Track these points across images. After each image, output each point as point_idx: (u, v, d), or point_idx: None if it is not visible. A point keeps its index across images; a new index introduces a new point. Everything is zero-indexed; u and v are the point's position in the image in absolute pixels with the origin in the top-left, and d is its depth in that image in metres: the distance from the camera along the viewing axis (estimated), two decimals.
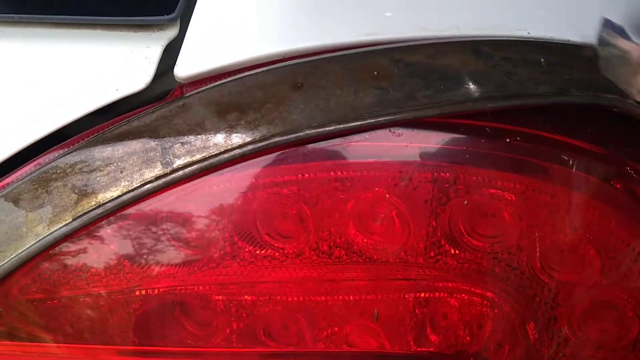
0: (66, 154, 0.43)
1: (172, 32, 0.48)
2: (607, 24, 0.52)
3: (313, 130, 0.43)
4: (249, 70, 0.46)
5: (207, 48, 0.47)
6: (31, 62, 0.47)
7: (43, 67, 0.47)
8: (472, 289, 0.50)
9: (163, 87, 0.48)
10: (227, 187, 0.46)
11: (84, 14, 0.48)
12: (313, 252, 0.48)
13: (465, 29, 0.51)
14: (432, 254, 0.49)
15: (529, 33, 0.52)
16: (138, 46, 0.47)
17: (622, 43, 0.49)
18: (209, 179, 0.45)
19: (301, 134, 0.42)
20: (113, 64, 0.47)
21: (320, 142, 0.45)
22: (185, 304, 0.50)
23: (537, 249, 0.49)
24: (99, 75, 0.46)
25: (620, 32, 0.50)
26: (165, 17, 0.47)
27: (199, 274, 0.48)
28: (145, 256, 0.47)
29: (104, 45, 0.48)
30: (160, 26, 0.48)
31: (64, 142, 0.45)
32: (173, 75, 0.47)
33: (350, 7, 0.49)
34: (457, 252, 0.49)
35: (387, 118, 0.43)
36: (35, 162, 0.45)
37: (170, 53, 0.48)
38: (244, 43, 0.47)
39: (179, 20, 0.48)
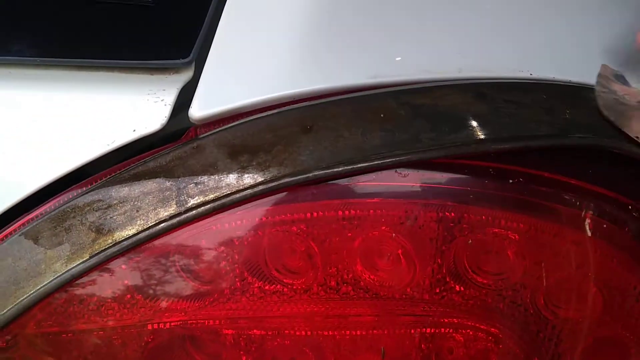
0: (84, 193, 0.45)
1: (187, 75, 0.50)
2: (606, 70, 0.54)
3: (321, 172, 0.44)
4: (261, 112, 0.48)
5: (220, 90, 0.48)
6: (52, 104, 0.49)
7: (63, 108, 0.49)
8: (477, 325, 0.51)
9: (179, 125, 0.50)
10: (238, 224, 0.47)
11: (103, 57, 0.50)
12: (321, 288, 0.49)
13: (467, 71, 0.53)
14: (437, 291, 0.50)
15: (531, 74, 0.54)
16: (154, 89, 0.49)
17: (620, 88, 0.51)
18: (221, 217, 0.46)
19: (310, 175, 0.44)
20: (130, 105, 0.49)
21: (328, 182, 0.47)
22: (196, 337, 0.51)
23: (541, 287, 0.50)
24: (116, 116, 0.48)
25: (619, 77, 0.52)
26: (181, 60, 0.49)
27: (210, 309, 0.49)
28: (157, 291, 0.48)
29: (122, 87, 0.50)
30: (176, 69, 0.50)
31: (83, 182, 0.47)
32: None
33: (356, 50, 0.51)
34: (462, 288, 0.50)
35: (393, 160, 0.45)
36: (54, 201, 0.46)
37: (186, 93, 0.50)
38: (255, 85, 0.49)
39: (194, 63, 0.50)
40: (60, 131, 0.49)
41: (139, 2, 0.51)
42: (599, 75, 0.51)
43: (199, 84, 0.49)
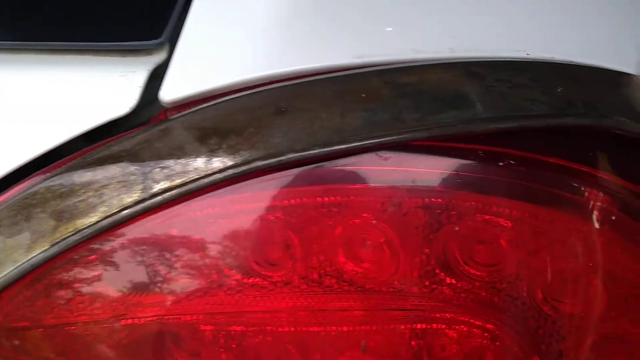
0: (46, 180, 0.43)
1: (160, 57, 0.48)
2: None
3: (296, 154, 0.41)
4: (235, 94, 0.45)
5: (192, 72, 0.46)
6: (18, 88, 0.47)
7: (30, 92, 0.47)
8: (472, 321, 0.48)
9: (154, 112, 0.48)
10: (210, 212, 0.45)
11: (74, 40, 0.48)
12: (302, 281, 0.46)
13: (460, 51, 0.50)
14: (427, 284, 0.47)
15: (528, 54, 0.51)
16: (125, 71, 0.47)
17: None
18: (192, 204, 0.44)
19: (283, 157, 0.41)
20: (100, 88, 0.47)
21: (306, 167, 0.44)
22: (173, 333, 0.49)
23: (539, 279, 0.46)
24: (85, 100, 0.46)
25: None
26: (153, 41, 0.47)
27: (185, 303, 0.47)
28: (129, 284, 0.46)
29: (92, 70, 0.48)
30: (148, 51, 0.48)
31: (46, 167, 0.45)
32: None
33: (340, 28, 0.49)
34: (453, 281, 0.47)
35: (373, 141, 0.42)
36: (17, 188, 0.44)
37: (160, 76, 0.47)
38: (230, 67, 0.47)
39: (167, 44, 0.48)
40: (28, 116, 0.47)
41: None
42: None
43: (170, 66, 0.46)
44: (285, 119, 0.43)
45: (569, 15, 0.55)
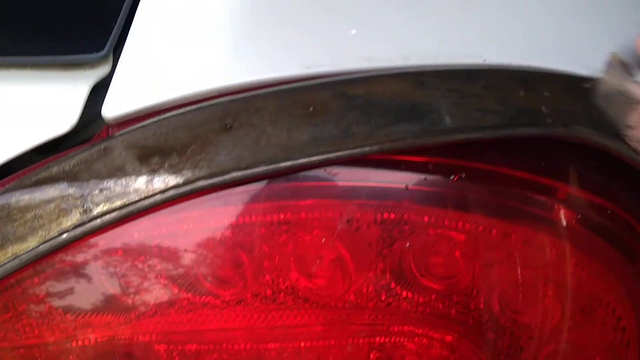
0: None
1: (103, 71, 0.46)
2: (615, 58, 0.49)
3: (240, 173, 0.40)
4: (179, 109, 0.44)
5: (135, 87, 0.45)
6: None
7: None
8: (430, 333, 0.47)
9: (94, 126, 0.46)
10: (157, 232, 0.43)
11: (12, 54, 0.46)
12: (256, 298, 0.46)
13: (414, 58, 0.49)
14: (383, 298, 0.46)
15: (484, 60, 0.50)
16: (65, 86, 0.45)
17: (625, 79, 0.46)
18: (136, 225, 0.43)
19: (227, 177, 0.40)
20: (40, 105, 0.45)
21: (254, 184, 0.43)
22: (126, 353, 0.47)
23: (495, 291, 0.46)
24: (24, 118, 0.44)
25: (626, 67, 0.48)
26: (95, 54, 0.45)
27: (136, 323, 0.46)
28: (76, 305, 0.45)
29: (31, 86, 0.46)
30: (91, 64, 0.46)
31: None
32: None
33: (289, 38, 0.47)
34: (409, 294, 0.46)
35: (320, 157, 0.41)
36: None
37: (102, 91, 0.46)
38: (175, 81, 0.45)
39: (110, 58, 0.46)
40: None
41: None
42: (607, 63, 0.47)
43: (112, 81, 0.45)
44: (230, 136, 0.41)
45: (528, 18, 0.54)
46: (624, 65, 0.49)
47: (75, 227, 0.39)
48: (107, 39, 0.45)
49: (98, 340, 0.47)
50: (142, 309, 0.45)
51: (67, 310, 0.45)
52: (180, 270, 0.44)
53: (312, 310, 0.46)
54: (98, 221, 0.39)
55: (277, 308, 0.46)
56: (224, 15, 0.47)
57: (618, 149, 0.44)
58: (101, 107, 0.46)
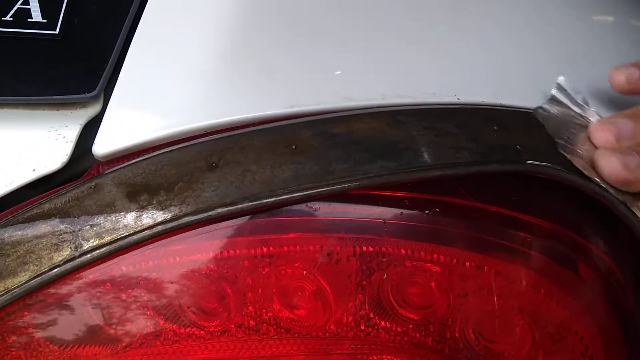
0: None
1: (94, 110, 0.48)
2: (564, 84, 0.53)
3: (225, 209, 0.42)
4: (167, 147, 0.46)
5: (125, 125, 0.47)
6: None
7: None
8: None
9: (85, 164, 0.48)
10: (143, 266, 0.45)
11: (4, 94, 0.48)
12: (239, 329, 0.47)
13: (391, 97, 0.51)
14: (362, 327, 0.48)
15: (458, 99, 0.52)
16: (57, 125, 0.47)
17: (574, 106, 0.49)
18: (126, 259, 0.44)
19: (212, 212, 0.42)
20: (31, 143, 0.47)
21: (237, 219, 0.44)
22: None
23: (469, 320, 0.48)
24: (15, 155, 0.46)
25: (577, 94, 0.51)
26: (87, 95, 0.47)
27: (122, 355, 0.47)
28: (64, 337, 0.46)
29: (24, 124, 0.48)
30: (82, 104, 0.48)
31: None
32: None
33: (271, 79, 0.50)
34: (388, 324, 0.48)
35: (301, 194, 0.43)
36: None
37: (93, 130, 0.48)
38: (163, 119, 0.47)
39: (101, 97, 0.48)
40: None
41: (44, 36, 0.49)
42: (555, 89, 0.50)
43: (103, 119, 0.47)
44: (216, 173, 0.43)
45: (498, 57, 0.57)
46: (565, 92, 0.52)
47: (66, 261, 0.41)
48: (99, 80, 0.47)
49: None
50: (129, 340, 0.47)
51: (55, 342, 0.47)
52: (167, 303, 0.46)
53: (293, 340, 0.48)
54: (88, 256, 0.41)
55: (260, 338, 0.47)
56: (211, 57, 0.49)
57: (583, 184, 0.46)
58: (90, 143, 0.48)
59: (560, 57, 0.60)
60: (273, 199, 0.43)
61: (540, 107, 0.50)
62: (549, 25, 0.59)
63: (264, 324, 0.47)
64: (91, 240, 0.41)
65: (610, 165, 0.46)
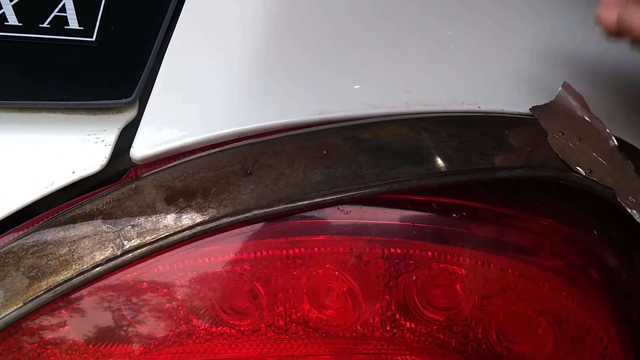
0: (20, 238, 0.44)
1: (130, 115, 0.50)
2: (567, 89, 0.54)
3: (261, 211, 0.44)
4: (203, 150, 0.48)
5: (161, 130, 0.48)
6: None
7: (2, 149, 0.48)
8: None
9: (123, 166, 0.50)
10: (180, 266, 0.46)
11: (45, 98, 0.49)
12: (269, 328, 0.48)
13: (415, 105, 0.53)
14: (388, 328, 0.49)
15: (479, 107, 0.54)
16: (95, 129, 0.49)
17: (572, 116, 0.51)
18: (162, 259, 0.46)
19: (249, 214, 0.43)
20: (71, 146, 0.48)
21: (271, 221, 0.46)
22: None
23: (492, 321, 0.49)
24: (56, 158, 0.47)
25: (579, 99, 0.53)
26: (123, 100, 0.49)
27: (155, 353, 0.48)
28: (99, 336, 0.47)
29: (63, 128, 0.49)
30: (119, 109, 0.50)
31: (20, 225, 0.46)
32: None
33: (302, 86, 0.51)
34: (413, 325, 0.49)
35: (334, 197, 0.45)
36: None
37: (131, 134, 0.49)
38: (198, 124, 0.49)
39: (137, 102, 0.50)
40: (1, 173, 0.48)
41: (82, 43, 0.51)
42: (557, 96, 0.52)
43: (140, 124, 0.48)
44: (252, 176, 0.45)
45: (517, 67, 0.59)
46: (575, 94, 0.54)
47: (108, 260, 0.42)
48: (135, 86, 0.49)
49: None
50: (162, 339, 0.48)
51: (89, 340, 0.48)
52: (201, 302, 0.47)
53: (321, 340, 0.49)
54: (130, 255, 0.42)
55: (288, 338, 0.49)
56: (244, 65, 0.51)
57: (602, 192, 0.48)
58: (122, 147, 0.49)
59: (575, 68, 0.61)
60: (307, 202, 0.44)
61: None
62: (568, 37, 0.61)
63: (293, 324, 0.48)
64: (133, 240, 0.43)
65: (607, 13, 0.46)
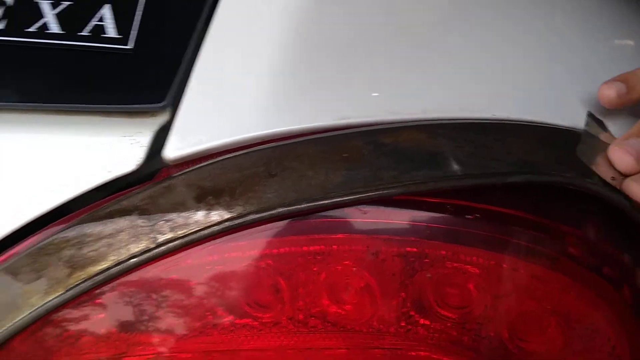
0: (61, 231, 0.48)
1: (163, 118, 0.53)
2: (591, 116, 0.56)
3: (285, 209, 0.47)
4: (230, 152, 0.51)
5: (192, 133, 0.51)
6: (33, 146, 0.52)
7: (44, 150, 0.52)
8: (444, 358, 0.52)
9: (155, 166, 0.53)
10: (209, 259, 0.49)
11: (83, 102, 0.53)
12: (290, 322, 0.51)
13: (432, 112, 0.55)
14: (403, 324, 0.51)
15: (494, 115, 0.56)
16: (131, 131, 0.52)
17: (602, 134, 0.54)
18: (192, 253, 0.49)
19: (274, 211, 0.46)
20: (108, 147, 0.52)
21: (294, 219, 0.49)
22: None
23: (504, 320, 0.51)
24: (94, 158, 0.51)
25: (599, 123, 0.55)
26: (157, 104, 0.52)
27: (182, 342, 0.51)
28: (131, 325, 0.50)
29: (100, 130, 0.53)
30: (152, 113, 0.53)
31: (60, 220, 0.50)
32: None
33: (326, 93, 0.54)
34: (427, 322, 0.51)
35: (353, 197, 0.47)
36: (34, 238, 0.49)
37: (163, 136, 0.53)
38: (226, 128, 0.52)
39: (170, 107, 0.53)
40: (40, 172, 0.52)
41: (119, 50, 0.55)
42: (587, 118, 0.54)
43: (172, 127, 0.51)
44: (276, 177, 0.48)
45: (533, 77, 0.61)
46: (599, 121, 0.56)
47: (143, 252, 0.46)
48: (167, 91, 0.52)
49: (146, 357, 0.52)
50: (189, 329, 0.51)
51: (122, 328, 0.51)
52: (227, 294, 0.50)
53: (338, 334, 0.52)
54: (164, 247, 0.45)
55: (307, 331, 0.51)
56: (272, 75, 0.54)
57: (608, 195, 0.50)
58: (156, 149, 0.53)
59: (589, 78, 0.63)
60: (327, 201, 0.47)
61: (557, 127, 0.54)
62: (583, 50, 0.63)
63: (312, 318, 0.51)
64: (166, 234, 0.46)
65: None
